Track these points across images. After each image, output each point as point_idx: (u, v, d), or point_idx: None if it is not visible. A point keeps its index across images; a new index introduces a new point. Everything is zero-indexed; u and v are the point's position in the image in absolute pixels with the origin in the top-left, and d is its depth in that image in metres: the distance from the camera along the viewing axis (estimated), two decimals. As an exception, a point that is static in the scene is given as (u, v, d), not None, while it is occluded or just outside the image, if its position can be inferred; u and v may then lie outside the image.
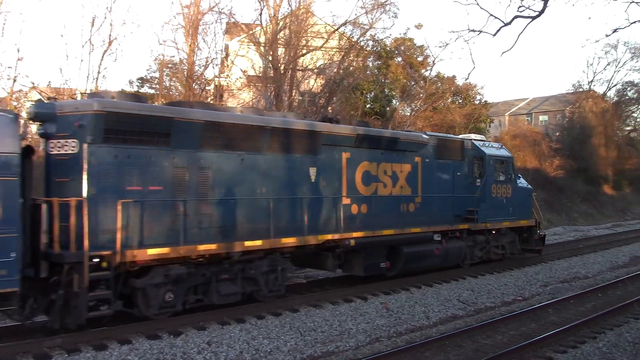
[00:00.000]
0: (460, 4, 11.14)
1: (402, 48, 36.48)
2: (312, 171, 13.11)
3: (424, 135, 16.70)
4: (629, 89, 57.56)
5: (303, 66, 28.84)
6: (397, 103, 35.16)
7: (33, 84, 20.73)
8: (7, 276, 8.56)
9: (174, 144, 10.68)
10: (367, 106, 32.48)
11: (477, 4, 10.84)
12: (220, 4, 25.51)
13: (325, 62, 29.94)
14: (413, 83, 36.28)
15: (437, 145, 16.60)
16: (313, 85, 30.33)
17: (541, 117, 68.59)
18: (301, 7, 27.85)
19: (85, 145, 9.55)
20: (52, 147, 9.95)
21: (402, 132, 17.01)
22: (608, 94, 57.66)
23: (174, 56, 26.30)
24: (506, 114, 69.83)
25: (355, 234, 13.68)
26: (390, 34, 34.85)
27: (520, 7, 10.64)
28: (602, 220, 40.82)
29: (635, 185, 53.44)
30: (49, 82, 21.72)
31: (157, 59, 25.89)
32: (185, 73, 24.35)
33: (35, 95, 22.70)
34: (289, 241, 12.38)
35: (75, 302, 9.39)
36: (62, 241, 9.35)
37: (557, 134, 55.93)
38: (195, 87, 24.49)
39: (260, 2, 27.56)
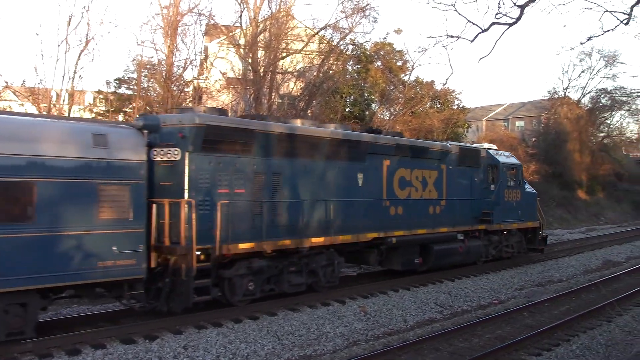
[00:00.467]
0: (439, 9, 11.25)
1: (382, 52, 36.66)
2: (360, 177, 14.78)
3: (449, 145, 18.45)
4: (602, 96, 58.69)
5: (283, 69, 28.80)
6: (376, 107, 35.33)
7: (7, 82, 20.36)
8: (137, 265, 10.30)
9: (254, 153, 12.24)
10: (347, 110, 32.59)
11: (456, 10, 10.93)
12: (200, 5, 25.29)
13: (305, 65, 29.95)
14: (392, 87, 36.48)
15: (458, 154, 18.27)
16: (293, 88, 30.31)
17: (518, 123, 69.54)
18: (281, 10, 27.81)
19: (186, 154, 10.95)
20: (156, 155, 11.22)
21: (432, 142, 18.71)
22: (582, 101, 58.71)
23: (152, 57, 26.06)
24: (483, 119, 70.63)
25: (396, 233, 15.45)
26: (370, 39, 35.08)
27: (497, 14, 10.75)
28: (576, 225, 41.53)
29: (608, 190, 54.50)
30: (24, 81, 21.35)
31: (135, 60, 25.62)
32: (163, 74, 24.10)
33: (8, 95, 22.31)
34: (345, 238, 14.17)
35: (181, 288, 10.76)
36: (172, 236, 10.82)
37: (533, 139, 56.78)
38: (174, 88, 24.28)
39: (240, 5, 27.44)
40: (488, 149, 20.38)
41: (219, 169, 11.57)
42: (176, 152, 11.01)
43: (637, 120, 64.32)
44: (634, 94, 50.89)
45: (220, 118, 12.01)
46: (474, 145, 21.38)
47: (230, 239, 11.47)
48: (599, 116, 59.45)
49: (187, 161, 10.96)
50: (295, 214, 13.08)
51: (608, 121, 61.45)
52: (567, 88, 57.96)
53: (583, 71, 57.23)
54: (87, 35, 20.91)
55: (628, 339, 11.16)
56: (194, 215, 10.75)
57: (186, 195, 10.90)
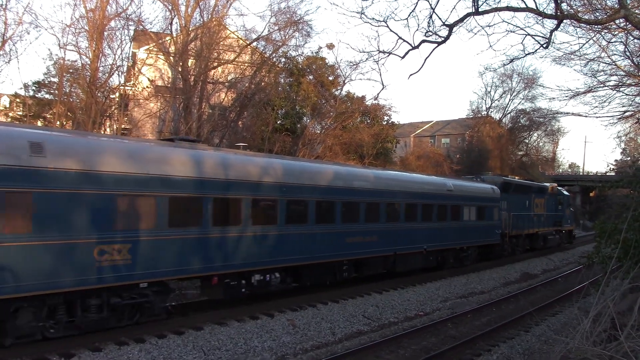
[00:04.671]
0: (371, 25, 11.47)
1: (314, 67, 36.99)
2: (527, 203, 29.99)
3: (547, 184, 34.68)
4: (521, 116, 62.00)
5: (214, 79, 28.40)
6: (308, 120, 35.51)
7: None
8: (498, 237, 25.83)
9: (509, 192, 27.54)
10: (278, 122, 32.53)
11: (387, 26, 11.18)
12: (128, 10, 24.46)
13: (237, 76, 29.68)
14: (324, 101, 36.84)
15: (549, 189, 33.56)
16: (224, 99, 29.93)
17: (443, 140, 72.14)
18: (213, 19, 27.48)
19: (499, 192, 25.72)
20: None
21: (544, 184, 34.77)
22: (504, 120, 61.74)
23: (75, 61, 24.90)
24: (411, 136, 72.74)
25: (539, 230, 31.77)
26: (303, 52, 35.12)
27: (427, 32, 11.11)
28: (497, 239, 43.28)
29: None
30: None
31: (56, 63, 24.44)
32: (87, 79, 23.11)
33: None
34: (532, 231, 30.64)
35: (500, 249, 26.82)
36: (502, 227, 26.49)
37: (458, 156, 58.99)
38: (99, 94, 23.30)
39: (171, 12, 26.91)
40: (557, 186, 35.93)
41: (504, 199, 26.63)
42: (496, 192, 25.69)
43: (552, 141, 68.45)
44: (550, 116, 54.11)
45: (505, 178, 28.86)
46: (549, 184, 36.02)
47: (512, 229, 27.37)
48: (518, 135, 62.70)
49: (500, 197, 25.81)
50: (518, 220, 28.41)
51: (526, 140, 65.01)
52: (489, 108, 60.91)
53: (504, 92, 60.40)
54: (3, 35, 19.83)
55: (544, 348, 11.65)
56: (507, 218, 26.88)
57: (504, 212, 26.58)
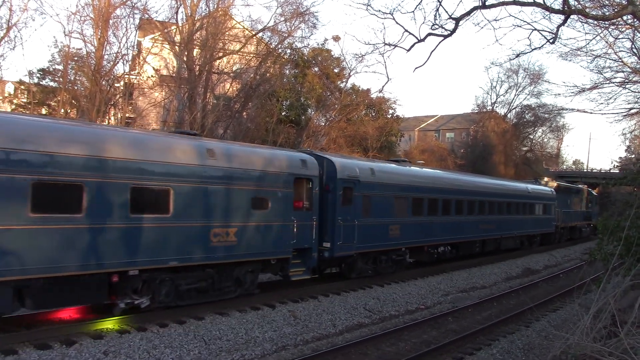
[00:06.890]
0: (377, 17, 11.43)
1: (319, 58, 36.88)
2: (568, 201, 38.30)
3: (581, 186, 43.21)
4: (526, 112, 61.71)
5: (219, 69, 28.36)
6: (313, 112, 35.45)
7: None
8: (553, 228, 34.33)
9: (558, 192, 35.44)
10: (283, 113, 32.48)
11: (393, 18, 11.14)
12: (134, -2, 24.40)
13: (242, 66, 29.64)
14: (329, 93, 36.74)
15: (583, 190, 42.25)
16: (229, 89, 29.90)
17: (448, 134, 71.96)
18: (219, 9, 27.41)
19: (555, 193, 34.79)
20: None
21: (581, 187, 43.32)
22: (509, 116, 61.48)
23: (80, 49, 24.95)
24: (416, 129, 72.59)
25: (577, 223, 40.78)
26: (309, 44, 35.02)
27: (433, 25, 11.07)
28: (499, 234, 43.39)
29: (529, 202, 57.24)
30: None
31: (61, 51, 24.46)
32: (92, 67, 23.11)
33: None
34: (573, 224, 39.57)
35: (553, 237, 35.01)
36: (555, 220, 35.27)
37: (462, 150, 58.84)
38: (103, 82, 23.31)
39: (177, 1, 26.85)
40: (588, 188, 44.07)
41: (556, 198, 34.30)
42: (550, 191, 34.06)
43: (557, 137, 68.20)
44: (555, 112, 53.85)
45: (559, 184, 37.87)
46: (579, 185, 44.09)
47: (561, 222, 35.77)
48: (523, 131, 62.43)
49: (555, 195, 34.32)
50: (565, 215, 36.58)
51: (531, 136, 64.76)
52: (495, 103, 60.63)
53: (510, 87, 60.11)
54: (8, 21, 19.85)
55: (544, 344, 11.66)
56: (557, 213, 34.96)
57: (556, 208, 34.49)
